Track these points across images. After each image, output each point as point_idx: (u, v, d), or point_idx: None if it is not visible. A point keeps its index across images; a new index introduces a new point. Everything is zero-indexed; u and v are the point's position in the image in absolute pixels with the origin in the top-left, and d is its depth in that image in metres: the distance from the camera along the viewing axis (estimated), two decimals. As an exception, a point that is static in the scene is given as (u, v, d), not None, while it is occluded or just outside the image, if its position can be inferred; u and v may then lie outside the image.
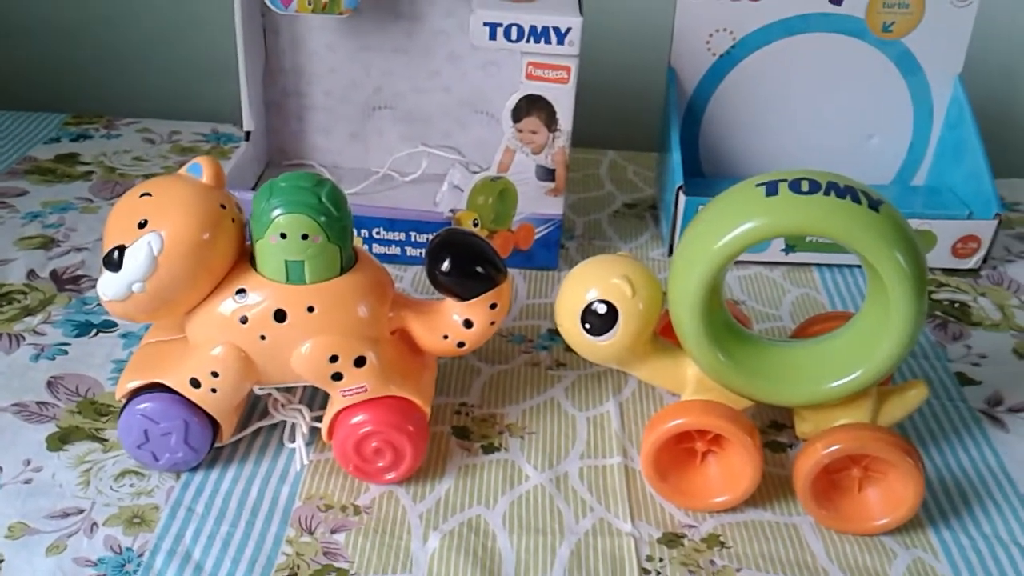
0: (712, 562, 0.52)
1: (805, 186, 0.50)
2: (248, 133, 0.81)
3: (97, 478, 0.55)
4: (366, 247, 0.76)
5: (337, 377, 0.53)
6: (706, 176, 0.87)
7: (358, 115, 0.85)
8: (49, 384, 0.62)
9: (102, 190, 0.85)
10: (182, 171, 0.54)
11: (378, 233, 0.75)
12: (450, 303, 0.55)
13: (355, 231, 0.75)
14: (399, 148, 0.84)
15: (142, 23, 1.04)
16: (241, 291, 0.52)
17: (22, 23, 1.05)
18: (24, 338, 0.66)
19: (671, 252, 0.80)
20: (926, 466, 0.56)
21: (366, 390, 0.54)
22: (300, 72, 0.83)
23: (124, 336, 0.66)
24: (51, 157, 0.90)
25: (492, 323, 0.55)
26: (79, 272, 0.73)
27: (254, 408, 0.60)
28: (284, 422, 0.58)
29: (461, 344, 0.56)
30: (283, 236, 0.51)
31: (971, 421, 0.63)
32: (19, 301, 0.69)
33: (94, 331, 0.67)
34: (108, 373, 0.63)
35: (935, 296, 0.76)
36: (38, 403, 0.60)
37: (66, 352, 0.64)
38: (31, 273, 0.72)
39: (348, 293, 0.53)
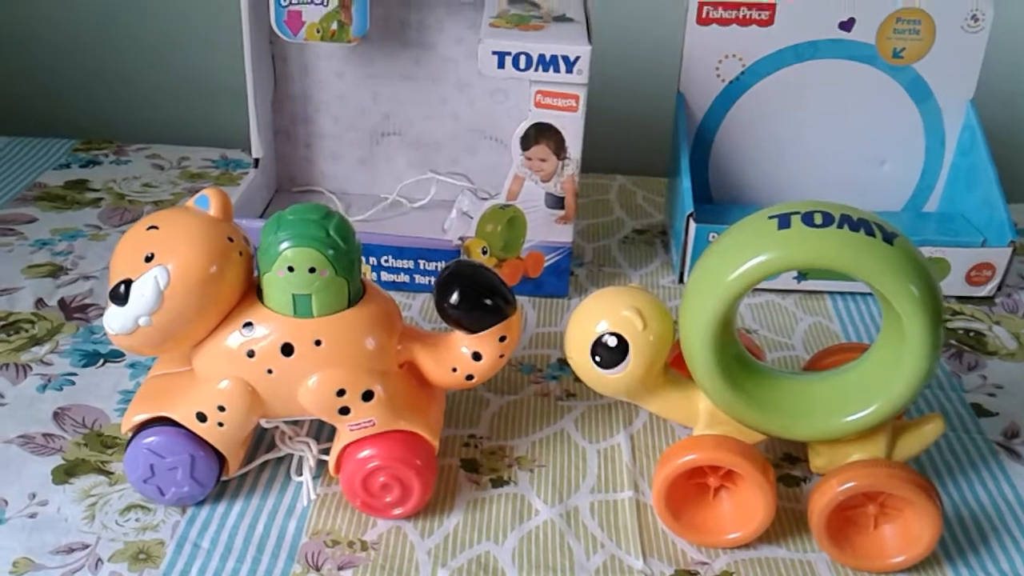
0: (725, 600, 0.51)
1: (818, 219, 0.49)
2: (257, 160, 0.81)
3: (103, 512, 0.54)
4: (374, 275, 0.76)
5: (344, 411, 0.53)
6: (716, 202, 0.86)
7: (366, 142, 0.85)
8: (56, 415, 0.61)
9: (111, 217, 0.85)
10: (189, 203, 0.54)
11: (387, 261, 0.75)
12: (459, 335, 0.54)
13: (363, 259, 0.75)
14: (407, 175, 0.84)
15: (152, 48, 1.05)
16: (248, 324, 0.52)
17: (33, 49, 1.05)
18: (31, 368, 0.65)
19: (681, 279, 0.79)
20: (944, 504, 0.55)
21: (374, 424, 0.53)
22: (309, 99, 0.83)
23: (131, 366, 0.66)
24: (61, 183, 0.90)
25: (501, 356, 0.55)
26: (87, 300, 0.73)
27: (260, 441, 0.60)
28: (291, 455, 0.58)
29: (470, 377, 0.55)
30: (291, 269, 0.50)
31: (988, 454, 0.62)
32: (27, 330, 0.69)
33: (102, 361, 0.66)
34: (115, 404, 0.62)
35: (949, 325, 0.75)
36: (44, 435, 0.60)
37: (73, 383, 0.64)
38: (39, 302, 0.72)
39: (356, 326, 0.52)
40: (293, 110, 0.84)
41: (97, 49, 1.05)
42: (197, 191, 0.54)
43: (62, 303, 0.72)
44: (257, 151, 0.81)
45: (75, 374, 0.65)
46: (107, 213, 0.86)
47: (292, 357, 0.51)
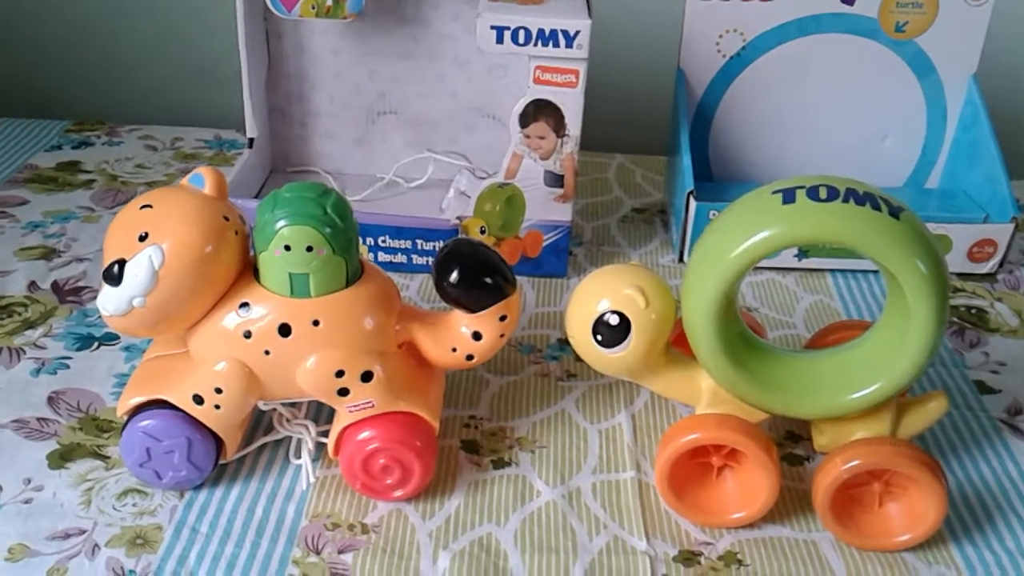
0: (730, 581, 0.50)
1: (823, 193, 0.48)
2: (251, 140, 0.80)
3: (99, 497, 0.54)
4: (371, 255, 0.75)
5: (343, 392, 0.52)
6: (716, 180, 0.86)
7: (363, 120, 0.83)
8: (50, 400, 0.60)
9: (104, 199, 0.84)
10: (184, 182, 0.53)
11: (384, 241, 0.74)
12: (458, 315, 0.54)
13: (361, 239, 0.74)
14: (404, 154, 0.83)
15: (144, 28, 1.03)
16: (244, 305, 0.51)
17: (23, 29, 1.04)
18: (24, 352, 0.64)
19: (681, 258, 0.78)
20: (948, 480, 0.55)
21: (373, 405, 0.52)
22: (304, 77, 0.82)
23: (126, 349, 0.65)
24: (52, 165, 0.89)
25: (502, 335, 0.54)
26: (80, 283, 0.72)
27: (259, 423, 0.59)
28: (290, 437, 0.57)
29: (470, 357, 0.54)
30: (287, 248, 0.49)
31: (991, 431, 0.61)
32: (19, 314, 0.68)
33: (96, 344, 0.65)
34: (110, 388, 0.62)
35: (951, 302, 0.74)
36: (39, 419, 0.59)
37: (67, 366, 0.63)
38: (32, 285, 0.71)
39: (354, 306, 0.51)
40: (288, 89, 0.82)
41: (89, 28, 1.03)
42: (190, 172, 0.53)
43: (55, 286, 0.71)
44: (251, 131, 0.80)
45: (69, 358, 0.64)
46: (99, 195, 0.84)
47: (290, 338, 0.51)
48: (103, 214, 0.81)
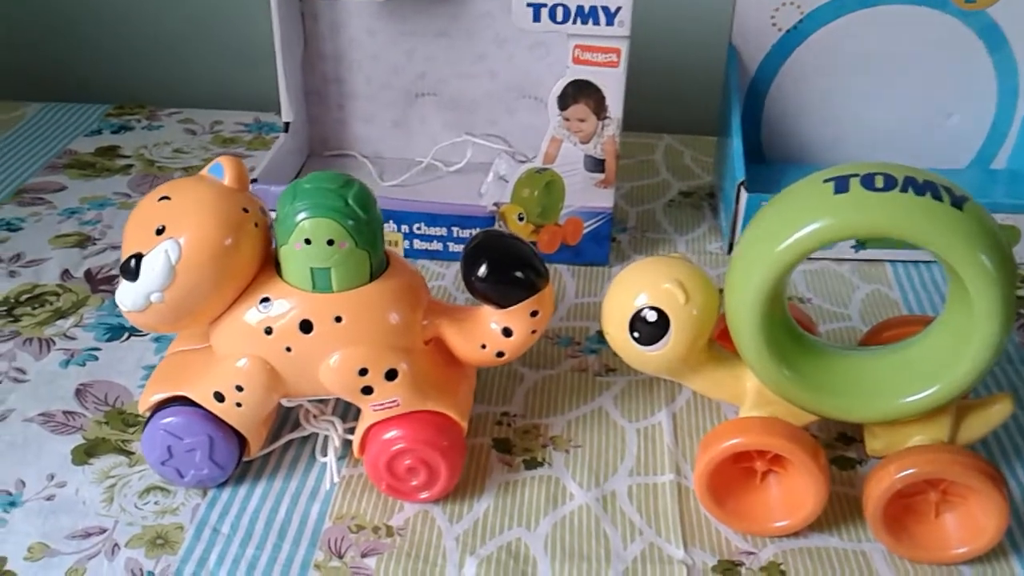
0: (772, 594, 0.48)
1: (879, 182, 0.45)
2: (287, 124, 0.78)
3: (121, 495, 0.53)
4: (407, 243, 0.73)
5: (367, 391, 0.50)
6: (768, 161, 0.82)
7: (401, 103, 0.81)
8: (77, 392, 0.60)
9: (140, 184, 0.83)
10: (203, 172, 0.51)
11: (419, 228, 0.72)
12: (488, 310, 0.51)
13: (396, 226, 0.72)
14: (443, 137, 0.81)
15: (184, 9, 1.02)
16: (265, 300, 0.49)
17: (64, 11, 1.03)
18: (55, 343, 0.64)
19: (730, 249, 0.75)
20: (1011, 490, 0.51)
21: (398, 404, 0.50)
22: (340, 59, 0.80)
23: (156, 340, 0.64)
24: (91, 150, 0.89)
25: (533, 331, 0.51)
26: (114, 272, 0.71)
27: (286, 419, 0.57)
28: (316, 435, 0.55)
29: (500, 354, 0.52)
30: (307, 242, 0.47)
31: (1062, 434, 0.57)
32: (51, 303, 0.67)
33: (126, 335, 0.65)
34: (138, 380, 0.61)
35: (1020, 294, 0.70)
36: (65, 412, 0.58)
37: (96, 358, 0.62)
38: (65, 273, 0.71)
39: (378, 301, 0.49)
40: (324, 70, 0.80)
41: (131, 10, 1.02)
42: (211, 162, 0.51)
43: (88, 274, 0.71)
44: (287, 114, 0.78)
45: (99, 349, 0.63)
46: (136, 180, 0.84)
47: (311, 334, 0.49)
48: (139, 200, 0.80)
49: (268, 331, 0.49)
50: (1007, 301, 0.45)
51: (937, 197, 0.44)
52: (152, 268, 0.47)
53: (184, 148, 0.89)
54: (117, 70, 1.05)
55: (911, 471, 0.47)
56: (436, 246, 0.73)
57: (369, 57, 0.80)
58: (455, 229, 0.72)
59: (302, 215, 0.47)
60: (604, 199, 0.70)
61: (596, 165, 0.69)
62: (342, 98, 0.82)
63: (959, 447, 0.49)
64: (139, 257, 0.47)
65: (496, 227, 0.71)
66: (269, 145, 0.90)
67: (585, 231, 0.71)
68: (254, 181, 0.71)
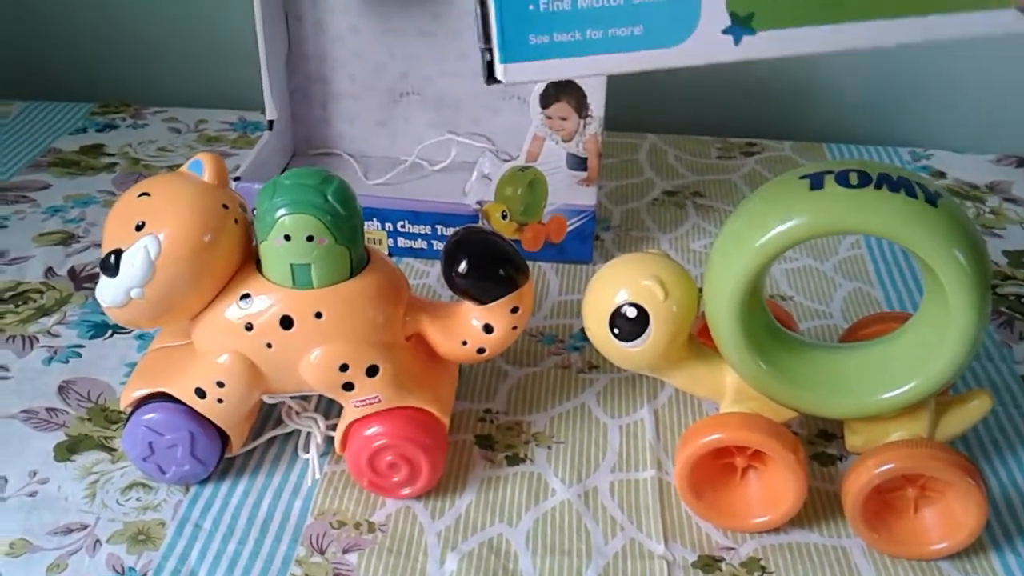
0: (751, 589, 0.48)
1: (854, 179, 0.45)
2: (271, 122, 0.78)
3: (104, 491, 0.52)
4: (391, 241, 0.73)
5: (348, 387, 0.50)
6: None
7: (385, 102, 0.81)
8: (60, 389, 0.60)
9: (125, 183, 0.83)
10: (183, 169, 0.51)
11: (403, 227, 0.72)
12: (469, 307, 0.51)
13: (380, 225, 0.72)
14: (427, 135, 0.81)
15: (169, 8, 1.02)
16: (246, 296, 0.49)
17: (50, 11, 1.03)
18: (38, 340, 0.64)
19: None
20: (989, 485, 0.52)
21: (379, 400, 0.51)
22: (324, 57, 0.80)
23: (140, 337, 0.64)
24: (76, 148, 0.88)
25: (514, 327, 0.52)
26: (97, 270, 0.71)
27: (268, 416, 0.57)
28: (298, 431, 0.56)
29: (481, 350, 0.52)
30: (287, 238, 0.47)
31: (1040, 430, 0.58)
32: (35, 301, 0.67)
33: (109, 332, 0.64)
34: (121, 377, 0.61)
35: (1000, 291, 0.71)
36: (48, 409, 0.58)
37: (80, 355, 0.62)
38: (49, 271, 0.70)
39: (359, 297, 0.49)
40: (308, 69, 0.80)
41: (116, 9, 1.02)
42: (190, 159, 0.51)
43: (72, 272, 0.70)
44: (271, 112, 0.78)
45: (82, 346, 0.63)
46: (121, 179, 0.83)
47: (292, 331, 0.49)
48: (123, 198, 0.80)
49: (249, 327, 0.49)
50: (982, 297, 0.45)
51: (911, 194, 0.44)
52: (132, 264, 0.47)
53: (169, 147, 0.89)
54: (102, 69, 1.05)
55: (889, 466, 0.47)
56: (420, 244, 0.73)
57: (352, 55, 0.80)
58: (439, 227, 0.72)
59: (281, 211, 0.47)
60: (587, 197, 0.71)
61: (579, 163, 0.69)
62: (326, 97, 0.82)
63: (938, 443, 0.49)
64: (119, 253, 0.48)
65: (479, 225, 0.71)
66: (254, 144, 0.89)
67: (569, 229, 0.72)
68: (237, 179, 0.71)
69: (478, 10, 0.38)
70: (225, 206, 0.49)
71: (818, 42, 0.39)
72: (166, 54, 1.04)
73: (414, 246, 0.73)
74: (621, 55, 0.39)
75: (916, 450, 0.48)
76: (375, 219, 0.72)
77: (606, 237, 0.77)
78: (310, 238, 0.47)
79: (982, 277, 0.45)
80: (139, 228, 0.48)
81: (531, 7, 0.38)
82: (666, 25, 0.39)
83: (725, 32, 0.39)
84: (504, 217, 0.71)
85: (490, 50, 0.39)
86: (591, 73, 0.40)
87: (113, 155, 0.87)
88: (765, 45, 0.39)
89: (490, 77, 0.39)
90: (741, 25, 0.39)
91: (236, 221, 0.49)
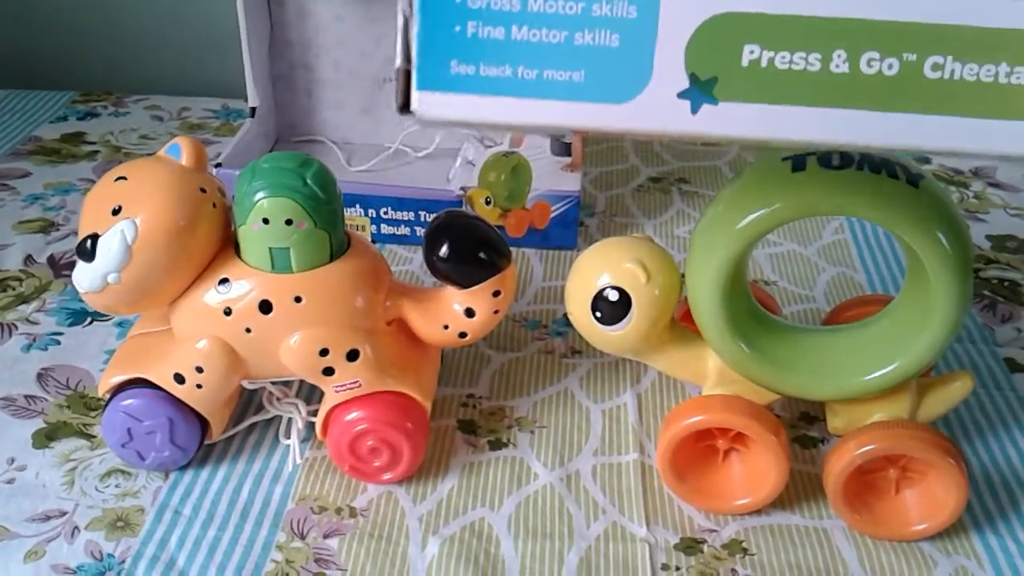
0: (734, 571, 0.48)
1: (836, 159, 0.45)
2: (253, 109, 0.78)
3: (82, 478, 0.52)
4: (374, 227, 0.72)
5: (328, 372, 0.50)
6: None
7: (369, 88, 0.81)
8: (39, 376, 0.59)
9: (106, 170, 0.81)
10: (160, 153, 0.51)
11: (386, 213, 0.72)
12: (450, 291, 0.51)
13: (363, 211, 0.72)
14: (411, 122, 0.80)
15: (152, -4, 1.01)
16: (224, 281, 0.49)
17: (29, 0, 1.02)
18: (16, 327, 0.63)
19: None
20: (971, 465, 0.52)
21: (360, 385, 0.50)
22: (308, 45, 0.79)
23: (119, 325, 0.64)
24: (57, 137, 0.88)
25: (496, 312, 0.51)
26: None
27: (249, 402, 0.57)
28: (279, 417, 0.55)
29: (463, 335, 0.52)
30: (266, 222, 0.47)
31: (1021, 412, 0.58)
32: (14, 288, 0.67)
33: (88, 319, 0.64)
34: (100, 364, 0.60)
35: (983, 274, 0.71)
36: (26, 396, 0.57)
37: (59, 342, 0.62)
38: (28, 259, 0.70)
39: (339, 282, 0.49)
40: (291, 57, 0.80)
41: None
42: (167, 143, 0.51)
43: (51, 260, 0.70)
44: (253, 99, 0.78)
45: (61, 333, 0.63)
46: (102, 167, 0.83)
47: (271, 315, 0.48)
48: (104, 186, 0.80)
49: (227, 312, 0.49)
50: (963, 278, 0.45)
51: (893, 175, 0.44)
52: (108, 248, 0.47)
53: (151, 134, 0.89)
54: (83, 57, 1.04)
55: (871, 447, 0.47)
56: (404, 231, 0.72)
57: (336, 43, 0.79)
58: (422, 213, 0.71)
59: (260, 195, 0.47)
60: (571, 183, 0.70)
61: (563, 149, 0.69)
62: (310, 84, 0.81)
63: (919, 423, 0.49)
64: (95, 238, 0.47)
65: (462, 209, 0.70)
66: (237, 131, 0.89)
67: (553, 215, 0.71)
68: (218, 166, 0.70)
69: (402, 21, 0.32)
70: (203, 190, 0.49)
71: (807, 128, 0.32)
72: (149, 42, 1.03)
73: (397, 232, 0.73)
74: (557, 104, 0.32)
75: (897, 431, 0.48)
76: (358, 206, 0.71)
77: (590, 223, 0.77)
78: (289, 222, 0.47)
79: (964, 258, 0.45)
80: (116, 212, 0.47)
81: (457, 28, 0.32)
82: (612, 75, 0.32)
83: (681, 96, 0.32)
84: (488, 203, 0.71)
85: (408, 72, 0.32)
86: (521, 123, 0.33)
87: (94, 143, 0.87)
88: (730, 121, 0.32)
89: (404, 106, 0.33)
90: (700, 91, 0.31)
91: (214, 205, 0.49)
